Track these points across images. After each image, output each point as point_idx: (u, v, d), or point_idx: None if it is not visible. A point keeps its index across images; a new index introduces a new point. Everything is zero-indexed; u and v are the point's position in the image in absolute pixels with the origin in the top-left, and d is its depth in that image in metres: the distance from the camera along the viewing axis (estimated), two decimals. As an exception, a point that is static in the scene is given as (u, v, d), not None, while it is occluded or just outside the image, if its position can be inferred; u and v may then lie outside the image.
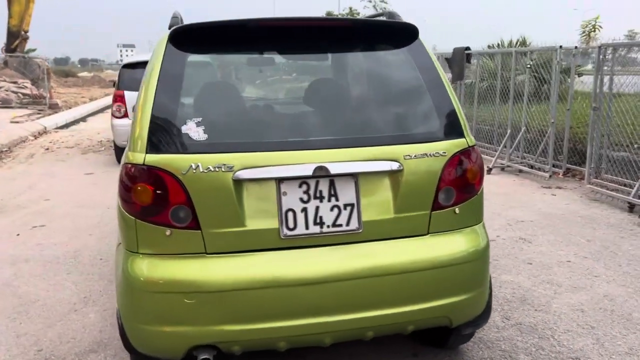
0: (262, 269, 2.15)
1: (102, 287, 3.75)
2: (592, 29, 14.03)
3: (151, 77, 2.29)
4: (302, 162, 2.16)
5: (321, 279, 2.16)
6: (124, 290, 2.22)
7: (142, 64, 8.68)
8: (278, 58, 2.42)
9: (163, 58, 2.30)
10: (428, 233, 2.32)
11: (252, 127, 2.24)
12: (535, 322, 3.14)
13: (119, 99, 8.34)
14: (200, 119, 2.19)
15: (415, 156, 2.27)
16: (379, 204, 2.26)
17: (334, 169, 2.17)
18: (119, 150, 8.53)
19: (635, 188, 5.55)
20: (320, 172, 2.16)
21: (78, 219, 5.45)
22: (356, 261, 2.20)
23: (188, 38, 2.36)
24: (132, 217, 2.16)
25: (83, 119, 15.93)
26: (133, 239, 2.18)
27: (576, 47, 6.64)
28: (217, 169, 2.12)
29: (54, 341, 3.04)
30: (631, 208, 5.50)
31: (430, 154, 2.29)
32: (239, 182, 2.13)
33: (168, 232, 2.13)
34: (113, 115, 8.39)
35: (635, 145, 6.25)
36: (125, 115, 8.27)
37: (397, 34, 2.48)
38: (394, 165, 2.24)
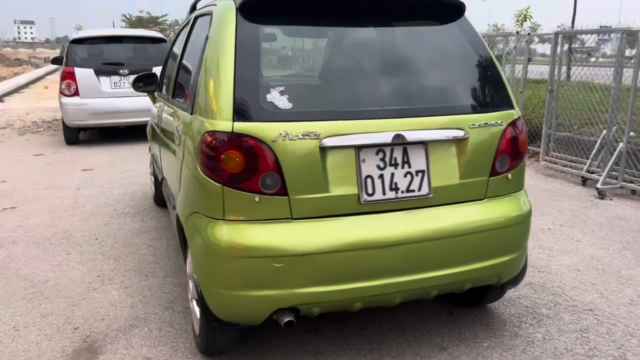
0: (344, 232, 2.24)
1: (112, 266, 3.65)
2: (524, 19, 14.93)
3: (223, 47, 2.29)
4: (381, 131, 2.27)
5: (397, 242, 2.28)
6: (207, 257, 2.23)
7: (92, 39, 8.37)
8: (345, 30, 2.48)
9: (236, 28, 2.30)
10: (485, 198, 2.50)
11: (331, 96, 2.31)
12: (543, 282, 3.44)
13: (68, 76, 7.92)
14: (283, 88, 2.23)
15: (478, 125, 2.44)
16: (446, 170, 2.41)
17: (409, 136, 2.30)
18: (69, 131, 8.13)
19: (586, 164, 6.09)
20: (398, 140, 2.27)
21: (51, 200, 5.21)
22: (427, 224, 2.35)
23: (257, 9, 2.37)
24: (219, 184, 2.17)
25: None
26: (218, 206, 2.19)
27: (529, 34, 7.07)
28: (305, 137, 2.18)
29: (87, 319, 2.96)
30: (584, 182, 6.03)
31: (490, 123, 2.47)
32: (323, 150, 2.20)
33: (257, 199, 2.17)
34: (62, 94, 7.96)
35: (575, 127, 6.87)
36: (76, 93, 7.90)
37: (448, 10, 2.62)
38: (461, 134, 2.40)
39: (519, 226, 2.56)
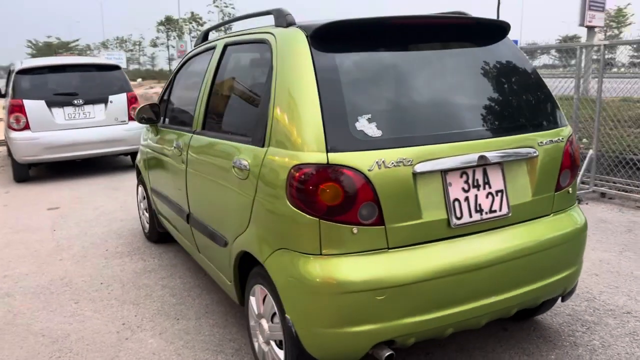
0: (439, 259, 2.21)
1: (134, 312, 3.40)
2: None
3: (302, 77, 2.22)
4: (466, 153, 2.27)
5: (486, 264, 2.28)
6: (305, 296, 2.12)
7: (41, 69, 7.86)
8: (415, 54, 2.46)
9: (312, 57, 2.24)
10: (551, 213, 2.56)
11: (416, 120, 2.28)
12: (572, 289, 3.55)
13: (16, 109, 7.40)
14: (370, 115, 2.19)
15: (545, 142, 2.50)
16: (520, 188, 2.44)
17: (491, 157, 2.31)
18: (19, 167, 7.57)
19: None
20: (482, 161, 2.29)
21: (30, 244, 4.81)
22: (510, 243, 2.36)
23: (329, 36, 2.32)
24: (315, 218, 2.08)
25: None
26: (314, 240, 2.10)
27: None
28: (399, 164, 2.14)
29: (135, 373, 2.73)
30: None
31: (554, 140, 2.54)
32: (414, 176, 2.17)
33: (355, 230, 2.09)
34: (10, 128, 7.42)
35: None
36: (27, 127, 7.41)
37: (496, 30, 2.69)
38: (533, 152, 2.44)
39: (581, 237, 2.63)
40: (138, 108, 3.91)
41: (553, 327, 3.06)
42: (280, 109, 2.28)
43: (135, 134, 7.91)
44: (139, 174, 4.92)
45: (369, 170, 2.09)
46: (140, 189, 4.79)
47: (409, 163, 2.15)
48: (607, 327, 3.04)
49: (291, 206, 2.13)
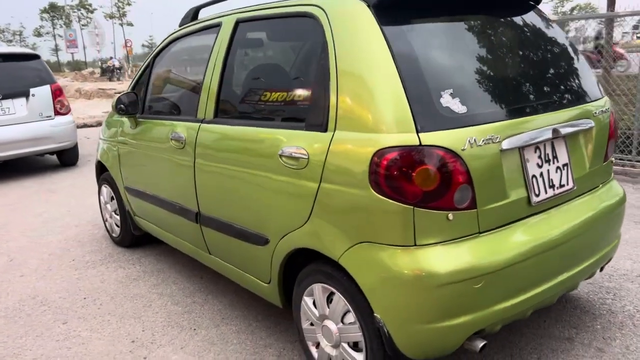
0: (526, 239, 2.11)
1: (140, 326, 3.03)
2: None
3: (374, 52, 2.01)
4: (541, 127, 2.18)
5: (563, 240, 2.22)
6: (399, 292, 1.93)
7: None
8: (480, 25, 2.30)
9: (381, 29, 2.03)
10: (600, 184, 2.55)
11: (494, 94, 2.14)
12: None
13: None
14: (451, 90, 2.02)
15: (597, 113, 2.47)
16: (579, 161, 2.40)
17: (562, 130, 2.24)
18: None
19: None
20: (555, 135, 2.21)
21: (-23, 261, 4.18)
22: (579, 218, 2.32)
23: (394, 4, 2.12)
24: (408, 205, 1.89)
25: None
26: (407, 230, 1.91)
27: None
28: (488, 142, 2.00)
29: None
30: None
31: (603, 110, 2.52)
32: (500, 153, 2.05)
33: (450, 216, 1.93)
34: None
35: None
36: None
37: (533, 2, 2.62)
38: (590, 123, 2.41)
39: (623, 207, 2.65)
40: (116, 98, 3.45)
41: (582, 297, 3.10)
42: (348, 90, 2.05)
43: (63, 130, 7.22)
44: (100, 172, 4.42)
45: (462, 150, 1.93)
46: (106, 189, 4.30)
47: (497, 140, 2.02)
48: (630, 291, 3.12)
49: (378, 195, 1.92)
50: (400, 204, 1.90)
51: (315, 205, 2.17)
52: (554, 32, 2.59)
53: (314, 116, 2.20)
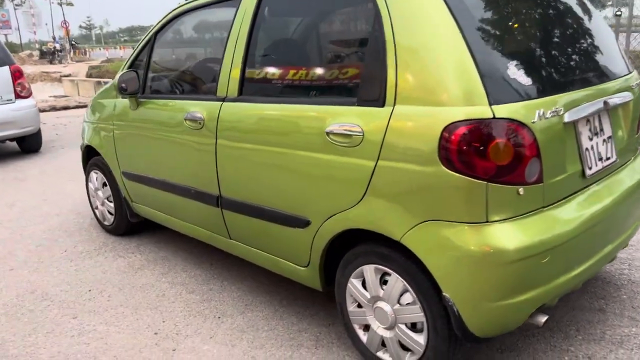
0: (584, 211, 2.11)
1: (159, 317, 2.88)
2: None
3: (434, 21, 1.93)
4: (594, 99, 2.17)
5: (612, 211, 2.24)
6: (470, 269, 1.89)
7: None
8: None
9: (447, 3, 1.95)
10: (633, 157, 2.58)
11: (554, 65, 2.10)
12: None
13: None
14: (517, 61, 1.97)
15: (634, 85, 2.50)
16: (620, 133, 2.42)
17: (611, 102, 2.25)
18: None
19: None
20: (605, 107, 2.21)
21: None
22: (621, 189, 2.34)
23: None
24: (482, 181, 1.84)
25: None
26: (479, 206, 1.86)
27: None
28: (554, 114, 1.97)
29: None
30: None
31: (638, 83, 2.55)
32: (563, 126, 2.02)
33: (521, 191, 1.90)
34: None
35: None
36: None
37: None
38: (630, 95, 2.42)
39: None
40: (119, 75, 3.23)
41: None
42: (409, 62, 1.96)
43: (26, 114, 6.81)
44: (88, 157, 4.16)
45: (532, 122, 1.89)
46: (96, 175, 4.05)
47: (561, 112, 2.00)
48: (643, 261, 3.22)
49: (448, 171, 1.86)
50: (473, 179, 1.84)
51: (371, 184, 2.08)
52: (592, 10, 2.59)
53: (367, 90, 2.10)
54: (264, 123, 2.49)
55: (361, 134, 2.08)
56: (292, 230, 2.48)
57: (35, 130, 7.01)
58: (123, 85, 3.23)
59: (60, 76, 20.22)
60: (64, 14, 40.94)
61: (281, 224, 2.52)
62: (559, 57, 2.16)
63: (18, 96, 6.79)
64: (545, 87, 2.00)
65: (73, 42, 34.21)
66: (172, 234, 4.00)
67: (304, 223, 2.40)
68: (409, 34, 1.99)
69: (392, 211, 2.04)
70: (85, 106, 12.24)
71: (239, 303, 2.99)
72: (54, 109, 11.68)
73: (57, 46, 33.46)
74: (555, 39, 2.20)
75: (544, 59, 2.09)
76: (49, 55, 33.36)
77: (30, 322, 2.91)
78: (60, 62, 31.28)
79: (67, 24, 43.51)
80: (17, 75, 6.82)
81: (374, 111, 2.06)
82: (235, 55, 2.66)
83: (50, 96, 15.46)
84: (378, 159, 2.04)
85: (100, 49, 53.81)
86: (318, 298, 2.95)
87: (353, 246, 2.31)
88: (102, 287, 3.27)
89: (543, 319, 2.04)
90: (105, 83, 16.05)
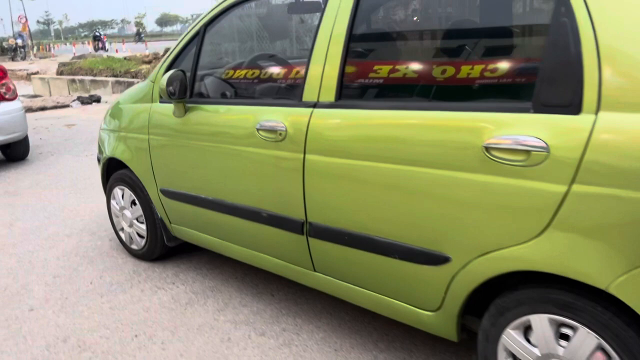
0: None
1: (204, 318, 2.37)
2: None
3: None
4: None
5: None
6: None
7: None
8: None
9: None
10: None
11: None
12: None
13: None
14: None
15: None
16: None
17: None
18: None
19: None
20: None
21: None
22: None
23: None
24: None
25: None
26: None
27: None
28: None
29: None
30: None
31: None
32: None
33: None
34: None
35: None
36: None
37: None
38: None
39: None
40: (167, 76, 2.67)
41: None
42: (622, 56, 1.50)
43: (12, 119, 6.14)
44: (109, 172, 3.59)
45: None
46: (121, 191, 3.48)
47: None
48: None
49: None
50: None
51: (560, 214, 1.62)
52: None
53: (552, 93, 1.63)
54: (383, 134, 2.00)
55: (544, 150, 1.61)
56: (417, 267, 2.00)
57: (23, 136, 6.31)
58: (171, 88, 2.68)
59: (28, 74, 19.14)
60: (24, 8, 39.16)
61: (402, 258, 2.04)
62: None
63: (2, 99, 6.09)
64: None
65: (24, 40, 32.80)
66: (213, 258, 3.47)
67: (439, 260, 1.93)
68: (617, 27, 1.52)
69: (592, 250, 1.58)
70: (64, 106, 11.44)
71: (325, 348, 2.50)
72: (30, 109, 10.85)
73: (19, 42, 31.90)
74: None
75: None
76: (10, 52, 31.88)
77: (73, 384, 2.36)
78: (23, 59, 29.87)
79: (23, 20, 41.62)
80: (0, 75, 6.11)
81: (565, 120, 1.59)
82: (331, 49, 2.16)
83: (21, 96, 14.50)
84: (572, 183, 1.58)
85: (66, 45, 51.77)
86: (417, 337, 2.49)
87: (508, 289, 1.85)
88: (151, 331, 2.72)
89: None
90: (81, 81, 15.17)
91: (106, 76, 14.96)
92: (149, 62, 15.53)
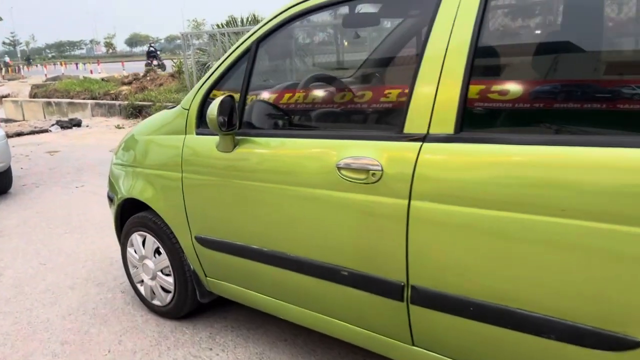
0: None
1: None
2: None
3: None
4: None
5: None
6: None
7: None
8: None
9: None
10: None
11: None
12: None
13: None
14: None
15: None
16: None
17: None
18: None
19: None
20: None
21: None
22: None
23: None
24: None
25: None
26: None
27: None
28: None
29: None
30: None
31: None
32: None
33: None
34: None
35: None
36: None
37: None
38: None
39: None
40: (217, 103, 2.16)
41: None
42: None
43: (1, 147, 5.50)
44: (123, 214, 3.05)
45: None
46: (142, 238, 2.94)
47: None
48: None
49: None
50: None
51: None
52: None
53: None
54: (543, 177, 1.53)
55: None
56: (587, 353, 1.53)
57: (6, 167, 5.69)
58: (221, 118, 2.18)
59: (2, 97, 18.29)
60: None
61: (568, 341, 1.56)
62: None
63: (-16, 126, 5.47)
64: None
65: (29, 57, 31.41)
66: (251, 314, 2.95)
67: (624, 345, 1.45)
68: None
69: None
70: (42, 131, 10.75)
71: None
72: (16, 135, 10.13)
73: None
74: None
75: None
76: (-21, 74, 30.75)
77: None
78: (-7, 81, 28.81)
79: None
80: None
81: None
82: (447, 66, 1.69)
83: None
84: None
85: (37, 66, 50.43)
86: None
87: None
88: (198, 420, 2.18)
89: None
90: (57, 104, 14.41)
91: (84, 98, 14.27)
92: (129, 84, 14.86)
